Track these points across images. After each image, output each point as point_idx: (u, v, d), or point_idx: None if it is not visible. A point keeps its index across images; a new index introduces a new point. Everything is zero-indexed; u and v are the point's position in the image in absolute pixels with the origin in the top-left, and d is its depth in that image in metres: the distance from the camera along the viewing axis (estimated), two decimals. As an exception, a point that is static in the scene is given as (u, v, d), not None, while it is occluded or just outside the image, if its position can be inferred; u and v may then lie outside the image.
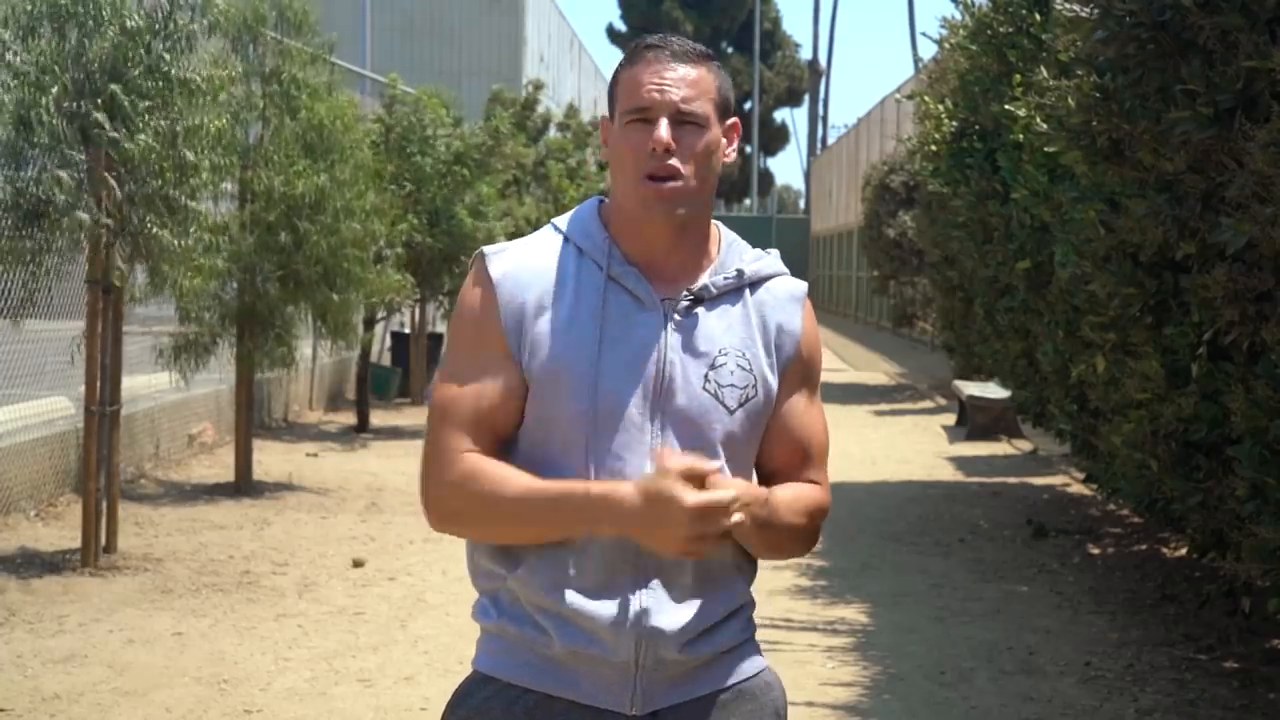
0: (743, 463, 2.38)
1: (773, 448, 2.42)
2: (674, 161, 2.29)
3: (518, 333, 2.32)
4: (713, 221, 2.45)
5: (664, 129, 2.29)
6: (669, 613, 2.30)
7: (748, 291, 2.40)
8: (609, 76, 2.63)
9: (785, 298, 2.43)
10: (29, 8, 7.58)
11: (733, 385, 2.34)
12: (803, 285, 2.47)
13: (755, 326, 2.39)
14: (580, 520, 2.25)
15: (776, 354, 2.40)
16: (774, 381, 2.39)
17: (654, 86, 2.31)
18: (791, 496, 2.38)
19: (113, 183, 7.55)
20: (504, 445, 2.34)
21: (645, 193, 2.30)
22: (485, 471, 2.29)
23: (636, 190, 2.31)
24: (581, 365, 2.29)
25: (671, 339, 2.33)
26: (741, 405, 2.34)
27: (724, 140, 2.37)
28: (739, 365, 2.35)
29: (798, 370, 2.43)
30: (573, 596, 2.29)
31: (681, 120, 2.30)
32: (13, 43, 7.57)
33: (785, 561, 8.48)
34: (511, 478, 2.28)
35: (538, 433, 2.33)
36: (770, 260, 2.45)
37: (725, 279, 2.38)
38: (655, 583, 2.30)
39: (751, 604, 2.44)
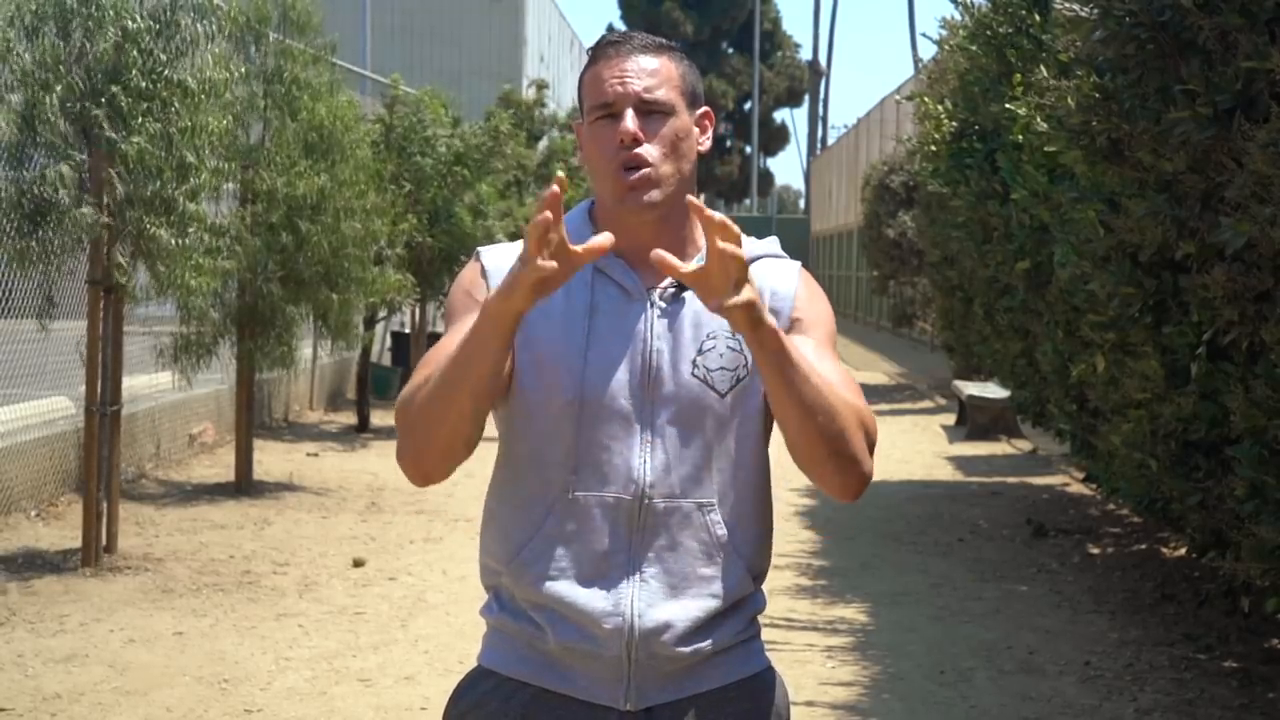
0: (745, 445, 2.34)
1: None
2: (642, 150, 2.28)
3: None
4: None
5: (629, 120, 2.28)
6: (661, 607, 2.28)
7: None
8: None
9: (775, 267, 2.40)
10: (33, 7, 7.60)
11: (722, 368, 2.31)
12: (795, 263, 2.43)
13: None
14: (487, 317, 2.13)
15: (774, 319, 2.29)
16: None
17: (615, 80, 2.31)
18: (823, 371, 2.23)
19: (116, 182, 7.56)
20: (485, 410, 2.25)
21: (619, 186, 2.29)
22: (422, 373, 2.24)
23: (611, 185, 2.30)
24: (569, 359, 2.28)
25: (657, 326, 2.31)
26: (733, 387, 2.31)
27: (696, 128, 2.36)
28: (729, 347, 2.31)
29: (797, 325, 2.35)
30: (564, 591, 2.28)
31: (647, 110, 2.29)
32: (17, 43, 7.59)
33: (785, 562, 8.53)
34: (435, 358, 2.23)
35: (525, 425, 2.33)
36: (763, 243, 2.43)
37: None
38: (649, 576, 2.28)
39: (757, 601, 2.40)
